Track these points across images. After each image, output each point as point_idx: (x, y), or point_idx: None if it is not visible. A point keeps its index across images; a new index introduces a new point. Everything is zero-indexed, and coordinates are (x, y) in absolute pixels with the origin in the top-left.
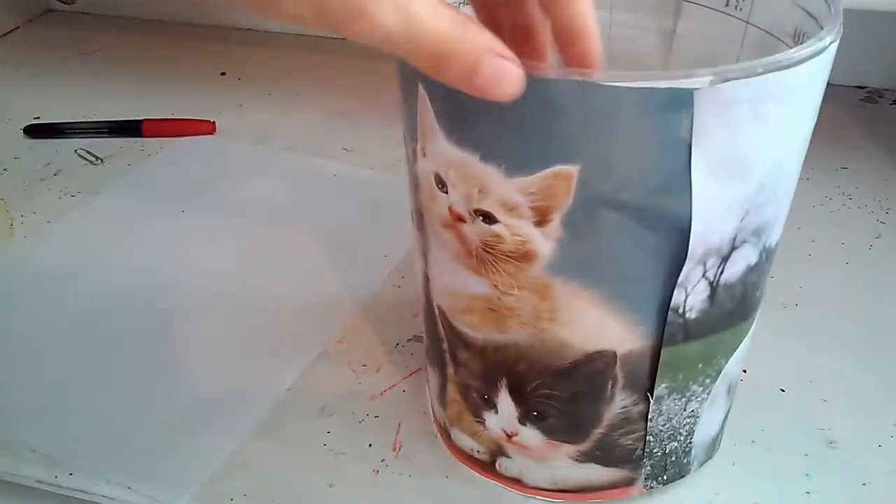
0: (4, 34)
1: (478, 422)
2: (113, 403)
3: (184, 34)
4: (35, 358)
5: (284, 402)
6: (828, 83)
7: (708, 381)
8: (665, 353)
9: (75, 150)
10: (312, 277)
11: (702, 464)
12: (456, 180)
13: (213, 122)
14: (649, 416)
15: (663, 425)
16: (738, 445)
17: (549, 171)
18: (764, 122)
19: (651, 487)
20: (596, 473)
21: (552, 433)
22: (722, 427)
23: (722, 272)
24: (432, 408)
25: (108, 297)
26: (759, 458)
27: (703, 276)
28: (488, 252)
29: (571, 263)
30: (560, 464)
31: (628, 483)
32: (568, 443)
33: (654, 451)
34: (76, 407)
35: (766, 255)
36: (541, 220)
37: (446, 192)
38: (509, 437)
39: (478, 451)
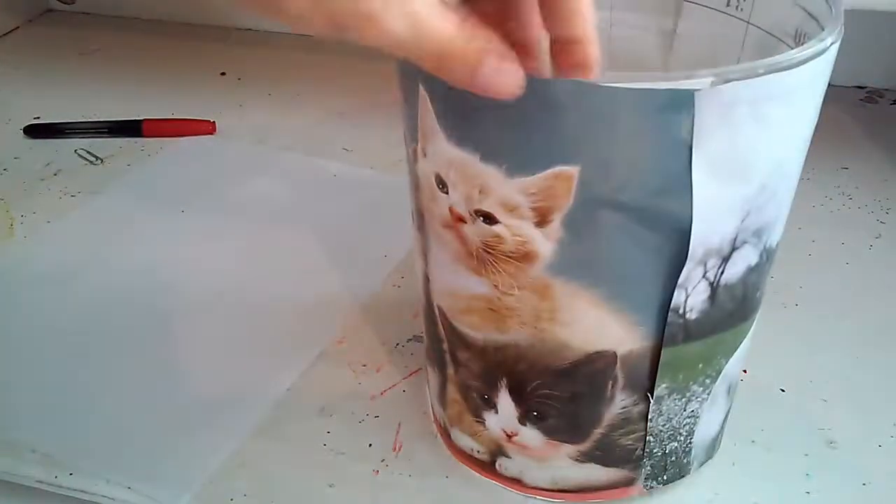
0: (4, 34)
1: (478, 422)
2: (113, 403)
3: (184, 34)
4: (35, 358)
5: (284, 402)
6: (829, 83)
7: (708, 381)
8: (665, 354)
9: (75, 150)
10: (312, 277)
11: (702, 464)
12: (456, 181)
13: (213, 122)
14: (649, 417)
15: (663, 425)
16: (738, 445)
17: (549, 171)
18: (765, 122)
19: (651, 487)
20: (596, 473)
21: (552, 433)
22: (722, 427)
23: (722, 273)
24: (432, 408)
25: (108, 297)
26: (759, 458)
27: (704, 276)
28: (489, 252)
29: (572, 264)
30: (560, 464)
31: (628, 483)
32: (568, 443)
33: (654, 451)
34: (76, 407)
35: (767, 255)
36: (541, 220)
37: (447, 193)
38: (509, 437)
39: (478, 451)
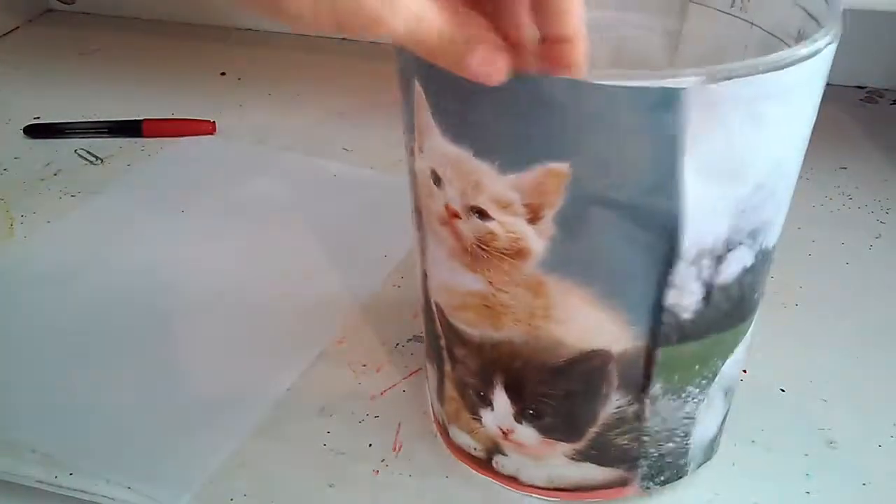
0: (4, 34)
1: (475, 419)
2: (113, 403)
3: (184, 34)
4: (35, 358)
5: (284, 402)
6: (828, 83)
7: (704, 382)
8: (660, 354)
9: (75, 150)
10: (312, 277)
11: (699, 465)
12: (451, 177)
13: (213, 122)
14: (645, 417)
15: (659, 426)
16: (738, 445)
17: (540, 168)
18: (758, 122)
19: (648, 488)
20: (592, 473)
21: (548, 431)
22: (720, 429)
23: (717, 273)
24: (432, 406)
25: (108, 297)
26: (759, 458)
27: (698, 277)
28: (483, 249)
29: (565, 261)
30: (556, 462)
31: (625, 483)
32: (563, 441)
33: (651, 451)
34: (76, 407)
35: (763, 257)
36: (533, 217)
37: (442, 189)
38: (505, 434)
39: (475, 449)
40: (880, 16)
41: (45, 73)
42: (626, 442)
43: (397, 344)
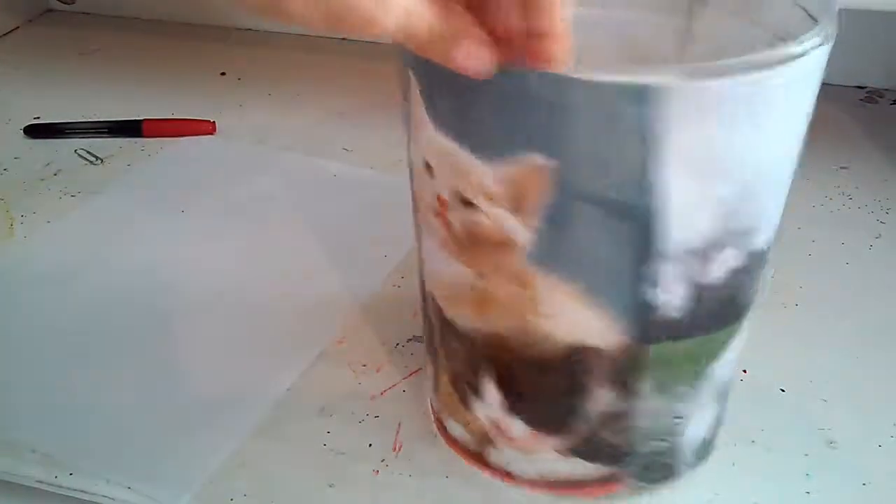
0: (4, 34)
1: (467, 411)
2: (113, 403)
3: (184, 34)
4: (35, 358)
5: (284, 402)
6: (828, 83)
7: (694, 382)
8: (647, 352)
9: (75, 150)
10: (312, 277)
11: (692, 466)
12: (442, 168)
13: (213, 122)
14: (633, 414)
15: (648, 424)
16: (738, 445)
17: (524, 161)
18: (739, 122)
19: (641, 487)
20: (582, 469)
21: (536, 425)
22: (713, 431)
23: (704, 274)
24: (430, 401)
25: (108, 297)
26: (759, 458)
27: (683, 276)
28: (471, 240)
29: (550, 255)
30: (546, 457)
31: (615, 480)
32: (552, 435)
33: (640, 449)
34: (76, 407)
35: (754, 258)
36: (518, 209)
37: (434, 180)
38: (495, 426)
39: (469, 441)
40: (880, 16)
41: (45, 73)
42: (615, 439)
43: (397, 344)
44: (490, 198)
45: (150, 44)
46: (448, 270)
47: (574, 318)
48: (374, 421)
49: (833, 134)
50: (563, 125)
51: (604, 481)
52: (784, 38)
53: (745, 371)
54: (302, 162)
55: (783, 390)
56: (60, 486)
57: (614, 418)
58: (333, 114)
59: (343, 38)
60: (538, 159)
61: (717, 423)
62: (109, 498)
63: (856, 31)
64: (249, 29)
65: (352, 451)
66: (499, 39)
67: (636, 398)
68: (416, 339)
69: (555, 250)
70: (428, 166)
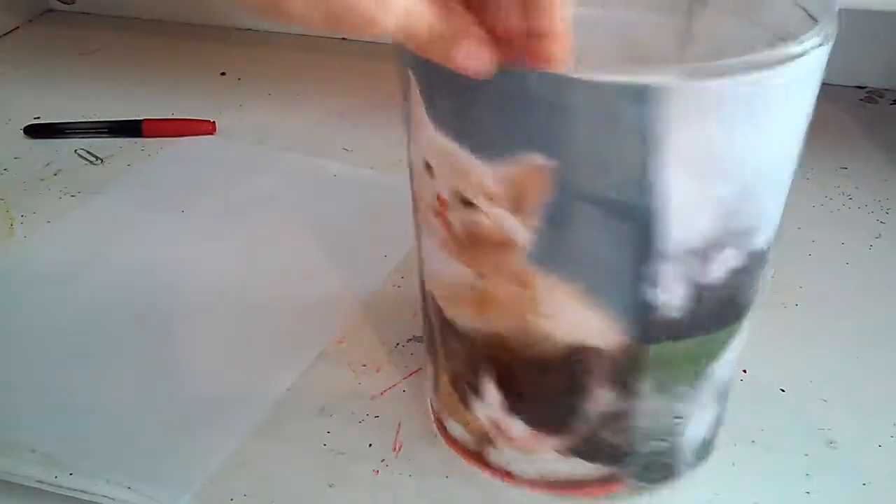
0: (4, 34)
1: (467, 411)
2: (113, 403)
3: (184, 34)
4: (35, 358)
5: (284, 402)
6: (829, 83)
7: (694, 382)
8: (648, 352)
9: (75, 150)
10: (312, 277)
11: (692, 466)
12: (442, 168)
13: (213, 122)
14: (633, 414)
15: (648, 424)
16: (738, 445)
17: (523, 161)
18: (738, 123)
19: (641, 487)
20: (582, 469)
21: (536, 425)
22: (714, 431)
23: (704, 274)
24: (430, 401)
25: (108, 297)
26: (759, 458)
27: (683, 276)
28: (471, 240)
29: (550, 255)
30: (546, 457)
31: (615, 480)
32: (552, 435)
33: (640, 449)
34: (76, 407)
35: (754, 258)
36: (517, 209)
37: (434, 180)
38: (495, 426)
39: (469, 441)
40: (880, 16)
41: (45, 73)
42: (615, 439)
43: (397, 344)
44: (490, 198)
45: (150, 44)
46: (448, 270)
47: (574, 318)
48: (374, 421)
49: (833, 134)
50: (562, 125)
51: (604, 481)
52: (784, 38)
53: (745, 371)
54: (302, 162)
55: (783, 390)
56: (60, 486)
57: (614, 418)
58: (333, 114)
59: (343, 38)
60: (538, 159)
61: (717, 423)
62: (109, 498)
63: (856, 31)
64: (249, 29)
65: (352, 451)
66: (499, 39)
67: (636, 398)
68: (416, 339)
69: (555, 250)
70: (428, 166)
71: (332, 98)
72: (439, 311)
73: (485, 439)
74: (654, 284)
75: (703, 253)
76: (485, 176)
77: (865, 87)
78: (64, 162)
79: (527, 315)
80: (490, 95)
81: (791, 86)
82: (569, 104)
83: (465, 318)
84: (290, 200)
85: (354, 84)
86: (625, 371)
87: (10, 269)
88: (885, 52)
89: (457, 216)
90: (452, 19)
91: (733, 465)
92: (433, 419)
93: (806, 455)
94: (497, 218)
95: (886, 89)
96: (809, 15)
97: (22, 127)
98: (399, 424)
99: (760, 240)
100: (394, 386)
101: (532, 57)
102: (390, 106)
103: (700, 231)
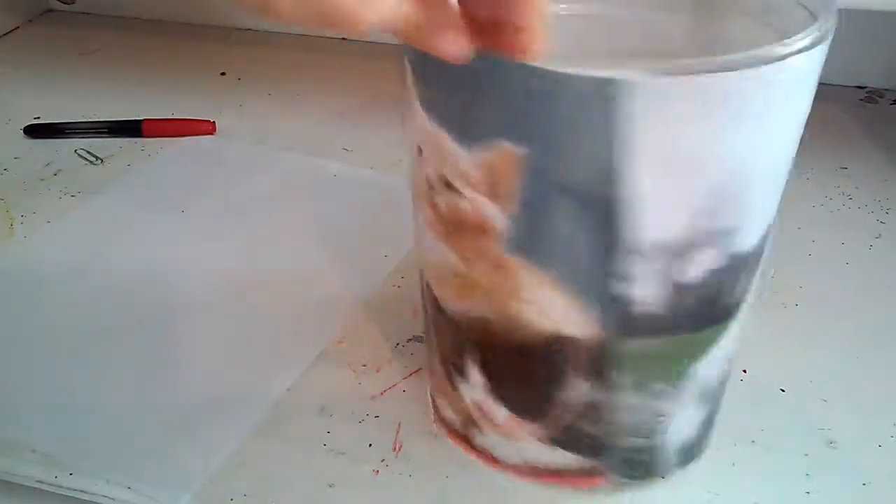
0: (4, 34)
1: (454, 391)
2: (113, 403)
3: (184, 34)
4: (35, 358)
5: (284, 402)
6: (829, 83)
7: (676, 381)
8: (623, 346)
9: (75, 150)
10: (312, 277)
11: (678, 466)
12: (429, 151)
13: (213, 122)
14: (610, 407)
15: (626, 419)
16: (738, 445)
17: (497, 148)
18: (711, 121)
19: (624, 483)
20: (563, 459)
21: (517, 411)
22: (702, 432)
23: (681, 272)
24: (429, 389)
25: (108, 298)
26: (759, 458)
27: (657, 272)
28: (455, 224)
29: (526, 242)
30: (529, 445)
31: (597, 473)
32: (530, 422)
33: (619, 444)
34: (76, 407)
35: (736, 260)
36: (494, 195)
37: (422, 163)
38: (479, 409)
39: (456, 422)
40: (880, 16)
41: (45, 73)
42: (593, 430)
43: (397, 344)
44: (469, 182)
45: (150, 44)
46: (435, 251)
47: (552, 306)
48: (374, 421)
49: (833, 134)
50: (532, 114)
51: (585, 473)
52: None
53: (745, 371)
54: (302, 162)
55: (783, 390)
56: (60, 486)
57: (592, 409)
58: (333, 114)
59: (343, 38)
60: (509, 146)
61: (707, 424)
62: (109, 498)
63: (856, 31)
64: (249, 29)
65: (352, 451)
66: (477, 27)
67: (613, 391)
68: (416, 339)
69: (530, 237)
70: (418, 149)
71: (332, 98)
72: (430, 291)
73: (470, 421)
74: (625, 279)
75: (677, 251)
76: (464, 160)
77: (865, 87)
78: (64, 162)
79: (509, 300)
80: (468, 82)
81: (771, 87)
82: (539, 94)
83: (451, 300)
84: (290, 200)
85: (354, 84)
86: (600, 363)
87: (10, 269)
88: (885, 52)
89: (442, 199)
90: (433, 7)
91: (733, 464)
92: (432, 409)
93: (806, 455)
94: (476, 203)
95: (886, 89)
96: (812, 14)
97: (22, 127)
98: (399, 424)
99: (744, 242)
100: (394, 386)
101: (508, 48)
102: (390, 106)
103: (673, 228)
